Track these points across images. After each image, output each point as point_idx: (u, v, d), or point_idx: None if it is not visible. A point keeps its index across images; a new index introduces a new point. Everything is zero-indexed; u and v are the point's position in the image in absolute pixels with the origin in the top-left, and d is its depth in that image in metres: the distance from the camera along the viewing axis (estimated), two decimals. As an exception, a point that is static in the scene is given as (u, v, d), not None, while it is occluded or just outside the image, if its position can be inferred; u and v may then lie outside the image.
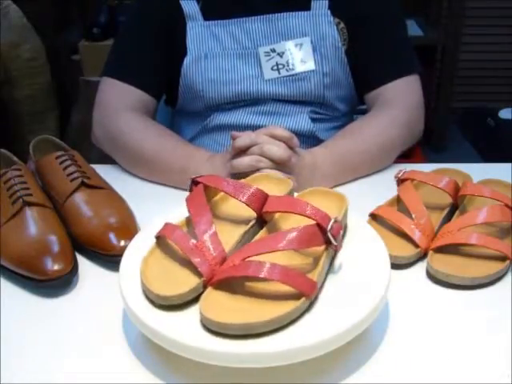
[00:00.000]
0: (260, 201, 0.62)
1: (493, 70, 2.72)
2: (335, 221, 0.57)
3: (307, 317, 0.53)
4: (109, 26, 2.15)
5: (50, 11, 2.28)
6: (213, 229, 0.60)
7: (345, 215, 0.64)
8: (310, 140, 1.02)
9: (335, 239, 0.57)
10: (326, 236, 0.56)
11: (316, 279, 0.55)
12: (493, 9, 2.61)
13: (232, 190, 0.63)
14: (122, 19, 2.02)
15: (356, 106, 1.11)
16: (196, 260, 0.57)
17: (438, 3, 2.52)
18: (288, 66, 0.99)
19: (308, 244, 0.56)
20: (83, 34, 2.17)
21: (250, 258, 0.55)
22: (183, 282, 0.56)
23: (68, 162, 0.78)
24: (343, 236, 0.63)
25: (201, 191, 0.64)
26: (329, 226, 0.56)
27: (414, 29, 2.40)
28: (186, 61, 1.00)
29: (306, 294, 0.53)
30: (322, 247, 0.58)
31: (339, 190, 0.87)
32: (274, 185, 0.71)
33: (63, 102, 1.97)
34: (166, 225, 0.61)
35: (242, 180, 0.71)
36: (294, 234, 0.55)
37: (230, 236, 0.62)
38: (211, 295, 0.54)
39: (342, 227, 0.58)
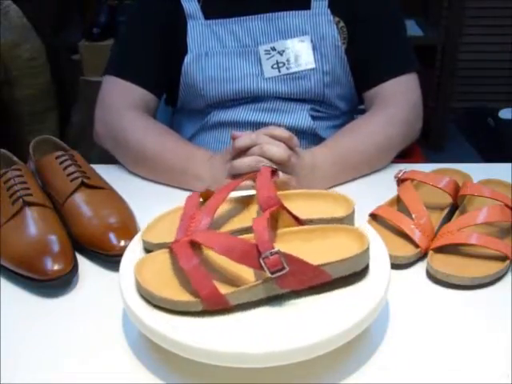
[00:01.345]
0: (269, 207, 0.61)
1: (493, 70, 2.72)
2: (275, 253, 0.52)
3: (307, 317, 0.53)
4: (109, 26, 2.15)
5: (50, 11, 2.28)
6: (214, 208, 0.61)
7: (360, 260, 0.57)
8: (310, 137, 1.02)
9: (270, 270, 0.52)
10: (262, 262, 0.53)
11: (226, 293, 0.53)
12: (493, 9, 2.61)
13: (260, 186, 0.63)
14: (122, 19, 2.02)
15: (357, 106, 1.11)
16: (181, 223, 0.61)
17: (438, 3, 2.52)
18: (288, 64, 0.99)
19: (238, 258, 0.54)
20: (83, 34, 2.16)
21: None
22: (165, 237, 0.61)
23: (68, 162, 0.78)
24: (358, 278, 0.57)
25: (240, 180, 0.66)
26: (264, 254, 0.52)
27: (413, 29, 2.40)
28: (187, 59, 1.00)
29: (201, 297, 0.53)
30: (266, 274, 0.53)
31: (339, 189, 0.87)
32: (337, 204, 0.66)
33: (63, 102, 1.98)
34: (199, 191, 0.66)
35: (312, 191, 0.70)
36: (230, 242, 0.54)
37: (233, 224, 0.63)
38: (151, 257, 0.59)
39: (281, 262, 0.52)
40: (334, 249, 0.58)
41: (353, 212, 0.64)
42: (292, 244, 0.59)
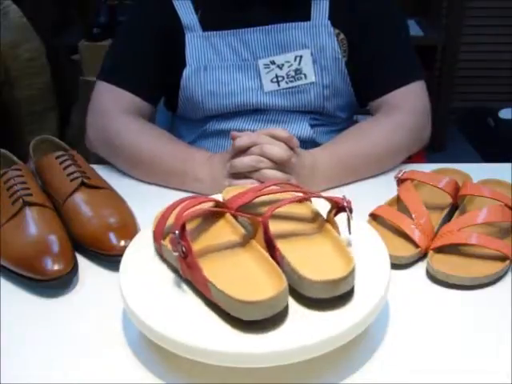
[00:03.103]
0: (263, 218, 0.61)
1: (493, 70, 2.72)
2: (173, 233, 0.55)
3: (307, 316, 0.53)
4: (109, 26, 2.15)
5: (50, 11, 2.28)
6: (256, 195, 0.63)
7: (240, 307, 0.51)
8: (309, 145, 1.01)
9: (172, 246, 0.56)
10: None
11: (163, 244, 0.61)
12: (493, 9, 2.61)
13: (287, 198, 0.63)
14: (122, 19, 2.02)
15: (357, 109, 1.10)
16: (239, 193, 0.65)
17: (438, 3, 2.53)
18: (287, 78, 0.98)
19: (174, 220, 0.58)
20: (83, 34, 2.16)
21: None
22: None
23: (68, 162, 0.78)
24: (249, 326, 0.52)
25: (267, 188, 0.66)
26: (176, 233, 0.55)
27: (414, 29, 2.40)
28: (186, 73, 0.99)
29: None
30: None
31: (339, 189, 0.87)
32: (336, 266, 0.56)
33: (63, 102, 1.97)
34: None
35: (343, 244, 0.59)
36: (187, 206, 0.59)
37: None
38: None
39: (175, 245, 0.55)
40: (246, 281, 0.55)
41: (330, 282, 0.53)
42: (230, 254, 0.59)
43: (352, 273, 0.54)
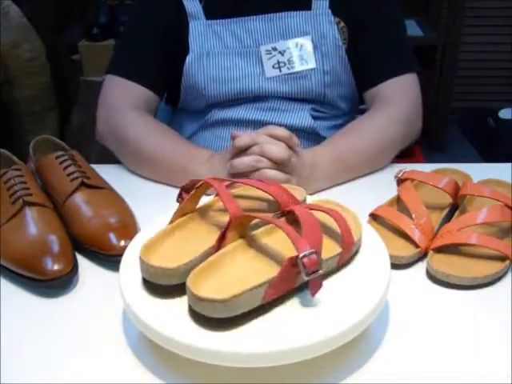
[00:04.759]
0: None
1: (493, 70, 2.72)
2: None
3: (307, 316, 0.53)
4: (109, 26, 2.15)
5: (50, 11, 2.28)
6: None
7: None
8: (310, 136, 1.03)
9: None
10: None
11: None
12: (493, 9, 2.61)
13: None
14: (122, 19, 2.02)
15: (358, 105, 1.11)
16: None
17: (438, 3, 2.52)
18: (289, 64, 1.00)
19: None
20: (83, 34, 2.17)
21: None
22: None
23: (68, 162, 0.78)
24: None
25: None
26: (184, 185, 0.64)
27: (414, 29, 2.40)
28: (189, 59, 1.00)
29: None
30: None
31: (339, 189, 0.87)
32: None
33: (63, 102, 1.98)
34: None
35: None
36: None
37: None
38: None
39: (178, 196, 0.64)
40: (178, 252, 0.59)
41: (192, 295, 0.52)
42: (206, 231, 0.62)
43: (220, 303, 0.50)
